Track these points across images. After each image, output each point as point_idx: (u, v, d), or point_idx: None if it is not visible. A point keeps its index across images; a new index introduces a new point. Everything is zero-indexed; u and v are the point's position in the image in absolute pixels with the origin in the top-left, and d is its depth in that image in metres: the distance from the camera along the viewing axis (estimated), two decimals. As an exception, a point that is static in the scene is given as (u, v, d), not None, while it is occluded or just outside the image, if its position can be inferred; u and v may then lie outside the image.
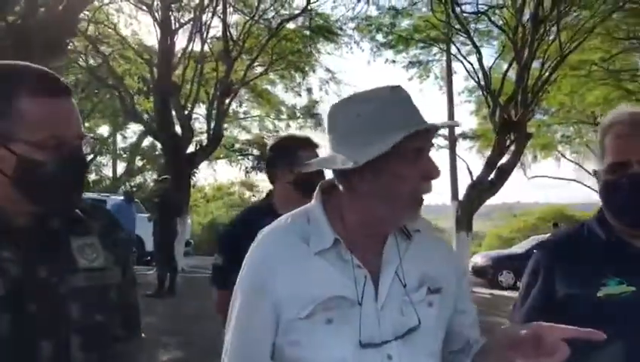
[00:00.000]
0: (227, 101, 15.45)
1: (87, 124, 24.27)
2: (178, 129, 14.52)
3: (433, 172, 1.23)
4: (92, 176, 27.35)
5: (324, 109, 21.61)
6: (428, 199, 1.31)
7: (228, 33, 14.82)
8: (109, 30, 15.67)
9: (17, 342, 1.18)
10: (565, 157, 27.52)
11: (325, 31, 16.30)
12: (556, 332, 1.15)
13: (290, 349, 1.25)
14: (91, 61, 15.94)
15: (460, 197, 14.59)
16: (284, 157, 2.54)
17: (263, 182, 26.78)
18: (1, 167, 1.21)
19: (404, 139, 1.17)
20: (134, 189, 23.43)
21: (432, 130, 1.25)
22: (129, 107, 15.36)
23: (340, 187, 1.30)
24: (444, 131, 17.38)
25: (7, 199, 1.23)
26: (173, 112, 14.29)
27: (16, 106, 1.20)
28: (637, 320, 1.43)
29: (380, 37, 16.11)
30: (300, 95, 19.90)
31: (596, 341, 1.14)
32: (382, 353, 1.22)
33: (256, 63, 16.31)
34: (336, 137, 1.28)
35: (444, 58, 17.74)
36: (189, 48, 14.89)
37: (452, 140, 18.55)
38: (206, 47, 15.33)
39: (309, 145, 2.55)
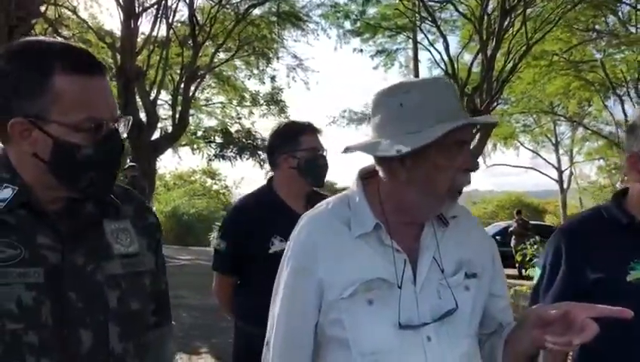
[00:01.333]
0: (193, 87, 15.19)
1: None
2: (143, 115, 14.21)
3: (472, 164, 1.28)
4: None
5: (289, 96, 21.46)
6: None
7: (194, 18, 14.54)
8: (68, 13, 15.18)
9: (59, 330, 1.12)
10: (524, 146, 28.25)
11: (292, 17, 16.18)
12: (586, 311, 1.16)
13: (333, 329, 1.30)
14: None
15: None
16: (287, 143, 2.50)
17: (225, 170, 26.56)
18: (36, 151, 1.14)
19: (448, 131, 1.20)
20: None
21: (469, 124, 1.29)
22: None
23: (380, 173, 1.34)
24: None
25: (43, 185, 1.17)
26: (138, 98, 13.98)
27: (51, 84, 1.11)
28: None
29: (347, 24, 16.12)
30: (263, 82, 19.74)
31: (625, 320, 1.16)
32: (421, 334, 1.27)
33: (221, 49, 16.07)
34: (379, 124, 1.31)
35: (410, 47, 17.86)
36: (154, 33, 14.57)
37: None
38: (170, 32, 15.01)
39: (311, 130, 2.53)
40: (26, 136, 1.13)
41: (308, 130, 2.53)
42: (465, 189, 1.32)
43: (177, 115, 14.80)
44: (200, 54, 14.89)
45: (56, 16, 14.69)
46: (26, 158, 1.15)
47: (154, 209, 15.95)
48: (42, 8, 12.98)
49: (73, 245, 1.17)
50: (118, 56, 14.03)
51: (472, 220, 1.46)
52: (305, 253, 1.34)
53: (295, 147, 2.48)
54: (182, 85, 14.82)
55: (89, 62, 1.16)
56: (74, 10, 15.15)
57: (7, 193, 1.14)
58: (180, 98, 14.87)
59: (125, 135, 1.23)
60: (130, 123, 1.24)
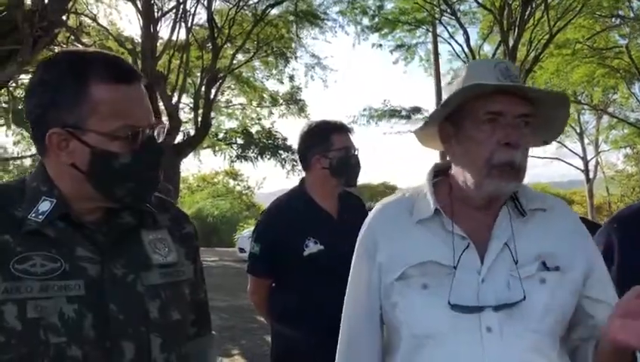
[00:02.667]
0: (213, 90, 15.25)
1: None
2: (165, 119, 14.30)
3: (508, 137, 1.22)
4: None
5: (308, 95, 21.45)
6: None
7: (212, 21, 14.60)
8: (89, 21, 15.33)
9: (102, 343, 1.10)
10: (549, 137, 27.77)
11: (310, 15, 16.15)
12: None
13: (391, 312, 1.32)
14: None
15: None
16: (319, 143, 2.48)
17: (247, 171, 26.65)
18: (74, 161, 1.12)
19: (476, 102, 1.23)
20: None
21: (513, 97, 1.24)
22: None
23: (447, 157, 1.37)
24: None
25: (81, 196, 1.16)
26: (160, 103, 14.06)
27: (88, 93, 1.11)
28: None
29: (365, 20, 16.04)
30: (282, 82, 19.74)
31: None
32: (479, 323, 1.22)
33: (240, 50, 16.09)
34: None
35: (430, 40, 17.72)
36: (173, 37, 14.65)
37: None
38: (190, 36, 15.09)
39: (343, 129, 2.51)
40: (64, 146, 1.12)
41: (339, 130, 2.51)
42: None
43: (199, 118, 14.87)
44: (219, 57, 14.93)
45: (77, 24, 14.86)
46: (63, 169, 1.14)
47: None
48: (64, 17, 13.18)
49: (112, 256, 1.16)
50: (139, 62, 14.15)
51: (568, 216, 1.38)
52: (367, 238, 1.39)
53: (327, 147, 2.46)
54: (203, 88, 14.87)
55: (125, 70, 1.16)
56: (94, 18, 15.30)
57: (45, 206, 1.13)
58: (201, 101, 14.93)
59: (162, 141, 1.21)
60: (166, 129, 1.21)
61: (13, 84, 12.23)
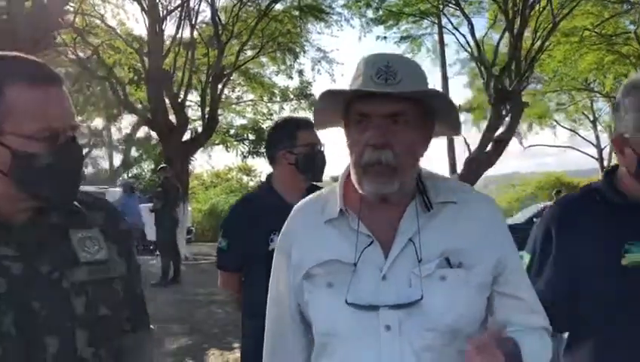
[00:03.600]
0: (220, 86, 15.33)
1: (80, 117, 24.18)
2: (172, 117, 14.43)
3: (373, 139, 1.23)
4: (89, 170, 27.25)
5: (317, 90, 21.50)
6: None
7: (217, 18, 14.67)
8: (97, 21, 15.49)
9: (23, 339, 1.15)
10: (560, 125, 27.60)
11: (314, 10, 16.14)
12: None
13: (305, 310, 1.35)
14: (81, 54, 15.76)
15: (459, 170, 14.59)
16: (284, 139, 2.52)
17: (260, 166, 26.75)
18: None
19: (351, 102, 1.26)
20: (132, 180, 23.39)
21: (384, 97, 1.21)
22: (121, 98, 15.23)
23: None
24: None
25: (7, 197, 1.19)
26: (167, 100, 14.20)
27: (5, 96, 1.14)
28: None
29: (370, 13, 15.99)
30: (291, 77, 19.77)
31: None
32: (378, 322, 1.22)
33: (246, 47, 16.14)
34: None
35: (435, 31, 17.63)
36: (179, 35, 14.76)
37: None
38: (195, 33, 15.18)
39: (309, 125, 2.54)
40: None
41: (305, 126, 2.54)
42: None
43: (207, 115, 14.97)
44: (225, 53, 15.00)
45: (84, 25, 15.02)
46: None
47: (190, 208, 16.19)
48: (70, 17, 13.33)
49: (37, 255, 1.21)
50: (146, 60, 14.28)
51: (482, 209, 1.33)
52: (283, 237, 1.43)
53: (293, 143, 2.51)
54: (209, 85, 14.96)
55: (41, 73, 1.19)
56: (101, 19, 15.45)
57: None
58: (208, 98, 15.03)
59: (83, 141, 1.27)
60: (85, 133, 1.28)
61: None
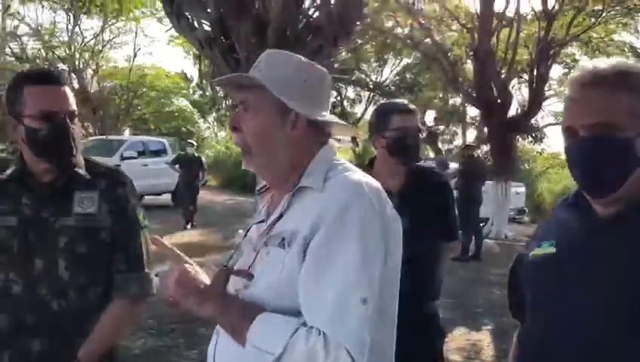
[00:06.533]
0: (548, 64, 14.46)
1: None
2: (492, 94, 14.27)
3: (233, 123, 1.43)
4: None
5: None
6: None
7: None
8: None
9: (22, 256, 1.76)
10: None
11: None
12: None
13: None
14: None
15: None
16: (379, 123, 2.62)
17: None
18: (23, 137, 1.77)
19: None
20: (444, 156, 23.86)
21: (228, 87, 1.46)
22: (450, 77, 15.68)
23: None
24: None
25: (31, 159, 1.79)
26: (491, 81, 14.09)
27: (23, 93, 1.75)
28: (538, 280, 1.38)
29: None
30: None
31: None
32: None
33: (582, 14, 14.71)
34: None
35: None
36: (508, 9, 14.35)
37: None
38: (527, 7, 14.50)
39: (405, 110, 2.58)
40: (16, 128, 1.78)
41: (402, 110, 2.61)
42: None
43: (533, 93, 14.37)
44: (556, 26, 14.03)
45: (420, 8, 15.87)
46: (21, 144, 1.79)
47: (523, 188, 15.78)
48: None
49: (45, 204, 1.78)
50: (476, 37, 14.33)
51: (334, 198, 1.29)
52: None
53: (385, 127, 2.60)
54: (535, 63, 14.29)
55: (45, 76, 1.79)
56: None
57: (10, 170, 1.82)
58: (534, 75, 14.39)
59: (73, 123, 1.77)
60: (75, 113, 1.79)
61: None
